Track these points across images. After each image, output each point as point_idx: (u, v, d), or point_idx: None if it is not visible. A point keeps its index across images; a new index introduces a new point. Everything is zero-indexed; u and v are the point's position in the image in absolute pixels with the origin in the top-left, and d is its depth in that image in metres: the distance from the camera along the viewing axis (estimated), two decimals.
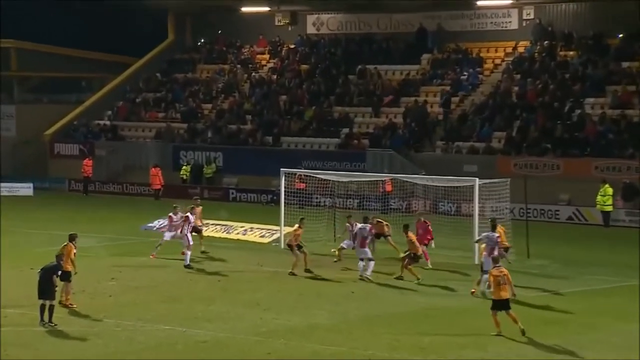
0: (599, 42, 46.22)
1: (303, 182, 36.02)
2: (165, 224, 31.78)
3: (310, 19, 54.48)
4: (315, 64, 52.39)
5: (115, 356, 19.78)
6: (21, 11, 58.93)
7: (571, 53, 46.85)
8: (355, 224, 28.59)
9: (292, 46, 54.60)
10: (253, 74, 54.06)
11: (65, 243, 23.43)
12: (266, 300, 24.48)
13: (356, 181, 36.59)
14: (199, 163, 49.52)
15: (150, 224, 34.89)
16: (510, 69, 47.23)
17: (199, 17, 57.70)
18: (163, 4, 57.13)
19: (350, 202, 38.52)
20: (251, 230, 33.11)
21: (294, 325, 22.01)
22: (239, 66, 54.79)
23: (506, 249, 26.52)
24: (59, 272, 22.08)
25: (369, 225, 27.90)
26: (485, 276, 24.10)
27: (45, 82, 60.47)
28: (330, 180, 34.44)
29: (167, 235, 30.31)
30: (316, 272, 28.09)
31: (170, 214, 30.38)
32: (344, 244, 29.23)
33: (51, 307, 21.56)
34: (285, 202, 32.70)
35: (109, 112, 55.74)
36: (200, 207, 31.61)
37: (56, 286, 21.82)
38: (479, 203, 30.18)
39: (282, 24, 55.07)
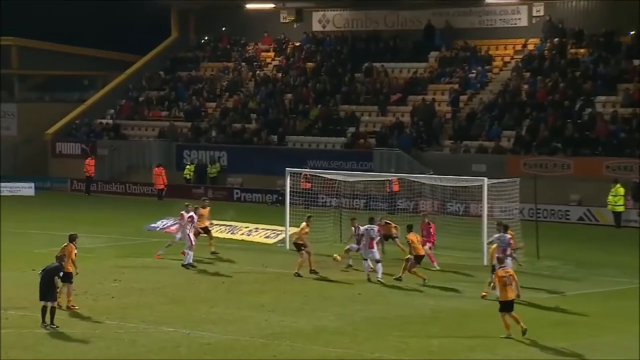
0: (611, 39, 46.13)
1: (309, 182, 36.00)
2: (169, 223, 31.79)
3: (316, 16, 54.46)
4: (321, 62, 52.37)
5: (118, 359, 19.77)
6: (22, 8, 59.01)
7: (582, 50, 46.77)
8: (359, 227, 28.58)
9: (298, 44, 54.59)
10: (258, 72, 54.06)
11: (66, 244, 23.44)
12: (271, 302, 24.48)
13: (363, 181, 36.55)
14: (203, 162, 49.54)
15: (153, 224, 34.98)
16: (520, 67, 47.16)
17: (203, 14, 57.73)
18: (166, 1, 57.15)
19: (356, 202, 38.47)
20: (256, 231, 33.14)
21: (300, 327, 22.00)
22: (243, 64, 54.80)
23: (514, 249, 26.39)
24: (61, 274, 22.06)
25: (376, 226, 27.84)
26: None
27: (47, 80, 60.54)
28: (336, 180, 34.43)
29: (178, 236, 30.28)
30: (322, 274, 28.06)
31: (183, 212, 30.37)
32: (350, 247, 29.17)
33: (53, 309, 21.57)
34: (290, 203, 32.70)
35: (112, 111, 55.79)
36: (208, 208, 31.58)
37: (58, 287, 21.80)
38: (488, 203, 30.15)
39: (287, 21, 55.07)
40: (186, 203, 31.30)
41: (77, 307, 23.23)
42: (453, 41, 50.31)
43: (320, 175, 35.32)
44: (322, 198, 37.22)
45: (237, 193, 47.07)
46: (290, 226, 31.79)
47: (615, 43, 45.99)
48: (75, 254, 23.40)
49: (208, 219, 31.24)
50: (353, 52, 52.04)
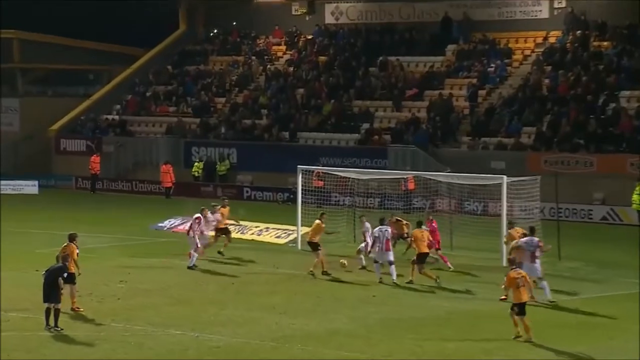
0: (635, 32, 46.04)
1: (321, 180, 36.09)
2: (176, 223, 31.95)
3: (329, 8, 54.52)
4: (334, 56, 52.43)
5: None
6: (25, 0, 59.22)
7: (605, 43, 46.68)
8: (365, 223, 28.67)
9: (310, 37, 54.66)
10: (268, 66, 54.17)
11: (66, 243, 23.55)
12: (282, 304, 24.57)
13: (377, 179, 36.63)
14: (212, 160, 49.69)
15: (160, 224, 35.14)
16: (541, 61, 47.12)
17: (212, 6, 57.85)
18: None
19: (370, 201, 38.56)
20: (266, 231, 33.26)
21: (312, 330, 22.10)
22: (253, 58, 54.92)
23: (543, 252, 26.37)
24: (65, 274, 22.18)
25: (389, 226, 27.89)
26: (544, 282, 24.47)
27: (51, 74, 60.75)
28: (349, 177, 34.48)
29: (206, 234, 30.50)
30: (335, 275, 28.16)
31: (208, 212, 30.56)
32: (360, 248, 29.27)
33: (57, 311, 21.66)
34: (302, 201, 32.79)
35: (118, 106, 55.99)
36: (228, 208, 31.65)
37: (62, 289, 21.92)
38: (507, 202, 30.16)
39: (299, 13, 55.13)
40: (213, 204, 31.37)
41: (81, 309, 23.37)
42: (471, 34, 50.28)
43: (333, 172, 35.38)
44: (335, 197, 37.28)
45: (247, 191, 47.21)
46: (302, 226, 31.87)
47: (639, 35, 45.88)
48: (77, 254, 23.52)
49: (226, 219, 31.26)
50: (367, 45, 52.07)
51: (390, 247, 27.47)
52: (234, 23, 57.32)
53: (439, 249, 29.16)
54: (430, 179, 35.04)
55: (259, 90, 52.66)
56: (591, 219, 40.07)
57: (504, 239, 27.90)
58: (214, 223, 30.62)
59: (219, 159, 49.48)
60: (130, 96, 55.91)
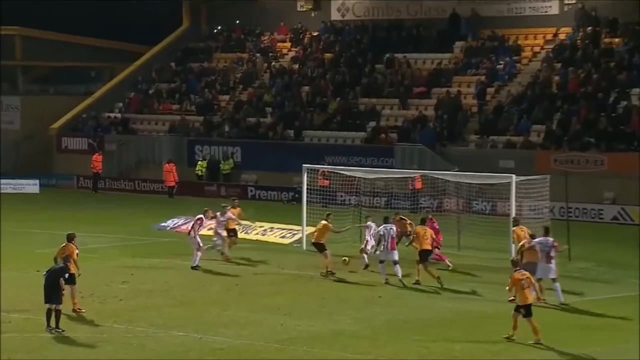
0: None
1: (327, 179, 36.12)
2: (179, 222, 32.01)
3: (335, 4, 54.55)
4: (340, 53, 52.46)
5: None
6: None
7: (616, 40, 46.65)
8: (368, 222, 28.80)
9: (315, 33, 54.69)
10: (273, 63, 54.21)
11: (64, 244, 23.59)
12: (287, 305, 24.63)
13: (384, 178, 36.63)
14: (216, 158, 49.75)
15: (163, 223, 35.22)
16: (551, 58, 47.10)
17: (216, 2, 57.90)
18: None
19: (377, 200, 38.57)
20: (271, 231, 33.31)
21: (317, 331, 22.15)
22: (258, 55, 54.96)
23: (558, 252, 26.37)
24: (67, 275, 22.24)
25: (394, 225, 27.96)
26: (556, 284, 24.58)
27: (52, 71, 60.85)
28: (355, 177, 34.53)
29: (222, 234, 30.55)
30: (340, 275, 28.20)
31: (217, 213, 30.66)
32: (364, 248, 29.35)
33: (58, 312, 21.71)
34: (307, 201, 32.85)
35: (120, 104, 56.09)
36: (239, 209, 31.68)
37: (63, 289, 21.98)
38: (516, 202, 30.19)
39: (304, 9, 55.18)
40: (223, 204, 31.45)
41: (83, 310, 23.44)
42: (479, 30, 50.27)
43: (339, 171, 35.40)
44: (341, 196, 37.31)
45: (251, 190, 47.27)
46: (307, 225, 31.91)
47: None
48: (77, 254, 23.57)
49: (237, 220, 31.28)
50: (374, 42, 52.09)
51: (395, 246, 27.54)
52: (238, 21, 57.35)
53: (439, 248, 29.18)
54: (437, 178, 35.05)
55: (263, 88, 52.70)
56: (602, 219, 40.06)
57: (513, 239, 27.92)
58: (224, 223, 30.67)
59: (222, 157, 49.54)
60: (133, 94, 56.00)
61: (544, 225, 26.50)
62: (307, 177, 33.37)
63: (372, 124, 47.82)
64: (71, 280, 22.97)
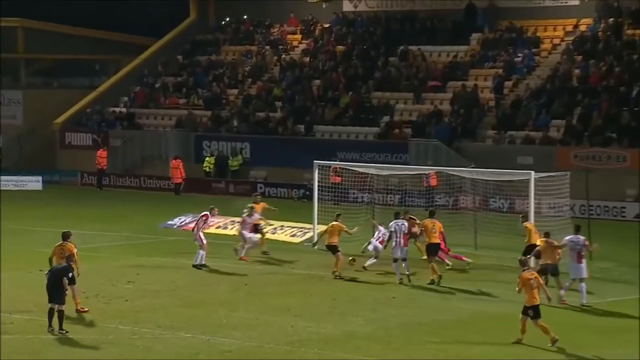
0: None
1: (338, 176, 36.10)
2: (186, 220, 32.03)
3: None
4: (352, 45, 52.43)
5: None
6: None
7: (639, 31, 46.48)
8: (379, 226, 28.86)
9: (327, 25, 54.66)
10: (283, 56, 54.21)
11: (60, 243, 23.53)
12: (297, 306, 24.63)
13: (397, 175, 36.59)
14: (224, 154, 49.78)
15: (170, 222, 35.22)
16: (571, 50, 46.97)
17: None
18: None
19: (390, 198, 38.52)
20: (281, 229, 33.28)
21: (328, 333, 22.14)
22: (267, 47, 54.97)
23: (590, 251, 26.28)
24: (70, 274, 22.25)
25: (406, 221, 27.95)
26: (582, 285, 24.60)
27: (55, 64, 61.00)
28: (368, 173, 34.49)
29: (247, 236, 30.60)
30: (351, 275, 28.19)
31: (244, 217, 30.72)
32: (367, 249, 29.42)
33: (60, 313, 21.75)
34: (318, 198, 32.82)
35: (125, 98, 56.16)
36: (262, 204, 31.70)
37: (67, 289, 22.00)
38: (535, 199, 30.08)
39: (315, 0, 55.14)
40: (249, 205, 31.40)
41: (86, 310, 23.44)
42: (497, 21, 50.17)
43: (351, 168, 35.39)
44: (353, 193, 37.29)
45: (260, 187, 47.20)
46: (318, 224, 31.89)
47: None
48: (76, 253, 23.55)
49: (261, 216, 31.34)
50: (387, 34, 52.03)
51: (407, 243, 27.57)
52: (246, 14, 57.32)
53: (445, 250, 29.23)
54: (453, 174, 34.96)
55: (273, 82, 52.71)
56: (624, 217, 39.92)
57: (525, 233, 27.87)
58: (250, 225, 30.71)
59: (231, 153, 49.56)
60: (139, 88, 56.07)
61: (575, 224, 26.43)
62: (318, 173, 33.34)
63: (386, 118, 47.76)
64: (72, 281, 22.95)
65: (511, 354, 20.72)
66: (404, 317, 23.63)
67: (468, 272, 28.83)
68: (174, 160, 48.63)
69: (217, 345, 21.12)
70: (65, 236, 23.73)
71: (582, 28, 48.30)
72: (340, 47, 52.73)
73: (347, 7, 54.62)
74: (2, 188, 47.65)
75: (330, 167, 35.20)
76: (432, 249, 27.48)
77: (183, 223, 34.11)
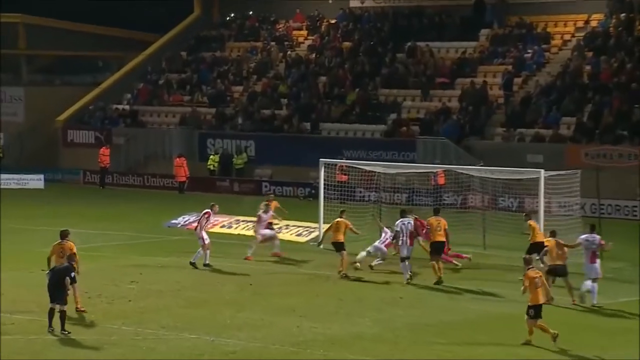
0: None
1: (345, 174, 36.15)
2: (190, 220, 32.09)
3: None
4: (359, 41, 52.46)
5: None
6: None
7: None
8: (385, 228, 29.03)
9: (333, 21, 54.71)
10: (289, 52, 54.26)
11: (58, 242, 23.52)
12: (303, 306, 24.68)
13: (405, 173, 36.62)
14: (229, 152, 49.86)
15: (174, 220, 35.26)
16: (582, 46, 46.96)
17: None
18: None
19: (398, 196, 38.56)
20: (286, 228, 33.29)
21: (334, 334, 22.18)
22: (273, 44, 55.03)
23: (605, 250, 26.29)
24: (72, 274, 22.31)
25: (413, 219, 27.99)
26: (588, 282, 24.61)
27: (57, 61, 61.10)
28: (375, 172, 34.53)
29: (260, 235, 30.64)
30: (357, 275, 28.24)
31: (260, 213, 30.77)
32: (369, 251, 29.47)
33: (62, 313, 21.79)
34: (324, 197, 32.87)
35: (128, 96, 56.27)
36: (275, 202, 31.78)
37: (69, 289, 22.06)
38: (545, 198, 30.13)
39: None
40: (265, 202, 31.54)
41: (85, 310, 23.43)
42: (506, 17, 50.18)
43: (358, 166, 35.42)
44: (360, 192, 37.37)
45: (265, 186, 47.31)
46: (324, 223, 31.93)
47: None
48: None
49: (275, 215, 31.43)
50: (394, 30, 52.05)
51: (413, 242, 27.64)
52: (251, 10, 57.37)
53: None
54: (461, 173, 35.02)
55: (278, 78, 52.76)
56: (635, 216, 39.92)
57: (530, 233, 27.91)
58: (266, 222, 30.79)
59: (235, 151, 49.63)
60: (142, 85, 56.16)
61: (590, 223, 26.43)
62: (325, 172, 33.39)
63: (393, 116, 47.80)
64: (73, 280, 22.97)
65: (519, 355, 20.75)
66: (411, 318, 23.67)
67: (477, 272, 28.82)
68: (177, 159, 48.72)
69: (222, 346, 21.17)
70: (64, 235, 23.72)
71: (593, 23, 48.27)
72: (346, 44, 52.77)
73: (354, 2, 54.65)
74: (4, 186, 47.79)
75: (336, 165, 35.24)
76: (437, 248, 27.50)
77: (187, 222, 34.13)
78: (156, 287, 26.82)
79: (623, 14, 47.16)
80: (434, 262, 27.35)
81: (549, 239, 25.50)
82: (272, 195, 33.02)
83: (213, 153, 49.97)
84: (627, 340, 21.89)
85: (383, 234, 29.36)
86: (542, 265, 24.93)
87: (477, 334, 22.27)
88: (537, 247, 26.72)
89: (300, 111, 49.93)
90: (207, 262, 29.42)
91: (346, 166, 36.06)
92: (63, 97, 55.86)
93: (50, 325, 21.82)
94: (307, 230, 33.01)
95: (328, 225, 29.53)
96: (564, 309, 24.48)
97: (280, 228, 33.11)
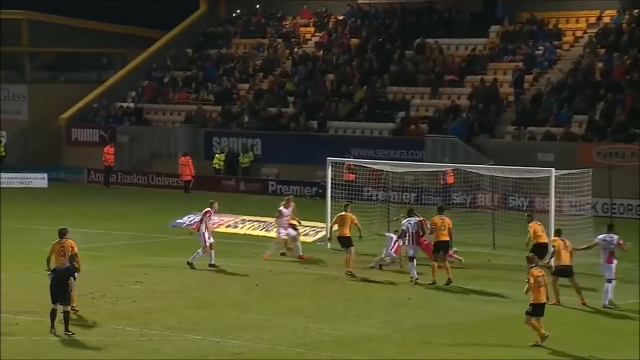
0: None
1: (352, 173, 36.20)
2: (196, 219, 32.13)
3: None
4: (367, 38, 52.48)
5: None
6: None
7: None
8: (391, 235, 29.10)
9: (341, 17, 54.73)
10: (296, 49, 54.31)
11: (57, 241, 23.48)
12: (310, 307, 24.73)
13: (413, 172, 36.67)
14: (235, 151, 49.92)
15: (179, 220, 35.42)
16: (594, 42, 46.92)
17: None
18: None
19: (406, 196, 38.63)
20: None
21: (342, 335, 22.22)
22: (279, 40, 55.07)
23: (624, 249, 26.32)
24: (76, 274, 22.37)
25: (420, 219, 28.03)
26: (608, 285, 24.61)
27: (61, 58, 61.22)
28: (383, 171, 34.58)
29: (282, 233, 30.75)
30: (365, 275, 28.28)
31: (281, 208, 30.83)
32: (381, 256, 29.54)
33: (66, 314, 21.85)
34: (332, 196, 32.91)
35: (133, 93, 56.36)
36: (293, 204, 31.71)
37: (72, 290, 22.12)
38: (556, 197, 30.14)
39: None
40: (287, 197, 31.64)
41: (78, 309, 23.37)
42: (517, 13, 50.17)
43: (366, 165, 35.47)
44: (368, 191, 37.40)
45: (272, 185, 47.42)
46: (331, 223, 31.96)
47: None
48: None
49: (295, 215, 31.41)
50: (403, 27, 52.06)
51: (419, 242, 27.67)
52: (258, 6, 57.42)
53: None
54: (471, 172, 35.06)
55: (285, 76, 52.80)
56: None
57: (528, 238, 27.86)
58: (287, 218, 30.82)
59: (241, 150, 49.69)
60: (147, 82, 56.25)
61: (607, 223, 26.43)
62: (332, 171, 33.43)
63: (401, 114, 47.81)
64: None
65: (529, 357, 20.78)
66: (419, 319, 23.71)
67: (485, 272, 28.85)
68: (183, 157, 48.79)
69: (228, 347, 21.21)
70: (63, 233, 23.65)
71: (606, 20, 48.24)
72: (354, 40, 52.79)
73: None
74: (7, 185, 47.94)
75: (343, 164, 35.29)
76: (440, 247, 27.49)
77: (192, 222, 34.26)
78: (161, 287, 26.88)
79: (636, 10, 47.11)
80: (435, 263, 27.30)
81: (555, 238, 25.47)
82: (291, 196, 32.78)
83: (219, 151, 50.01)
84: (631, 343, 21.86)
85: (389, 241, 29.33)
86: (550, 266, 24.97)
87: (485, 335, 22.30)
88: (540, 248, 26.82)
89: (307, 109, 49.96)
90: (212, 262, 29.47)
91: (354, 165, 36.11)
92: (67, 95, 55.96)
93: (52, 326, 21.88)
94: (314, 230, 33.09)
95: (333, 221, 29.53)
96: (571, 309, 24.50)
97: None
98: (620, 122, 42.81)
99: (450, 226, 27.74)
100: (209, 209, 30.02)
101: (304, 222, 33.86)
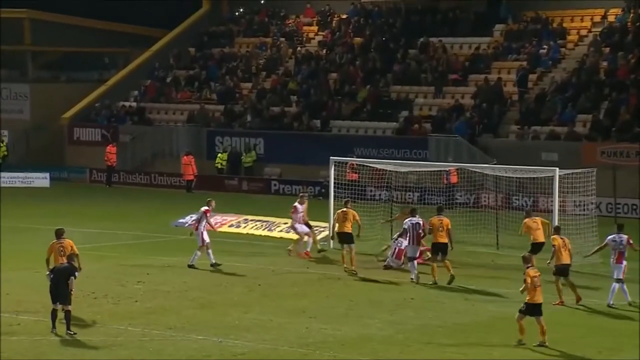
0: None
1: (355, 173, 36.21)
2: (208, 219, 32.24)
3: None
4: (370, 37, 52.49)
5: None
6: None
7: None
8: (400, 240, 29.03)
9: (344, 16, 54.74)
10: (299, 48, 54.32)
11: (54, 241, 23.42)
12: (313, 307, 24.74)
13: (416, 171, 36.66)
14: (237, 150, 49.94)
15: (181, 220, 35.46)
16: (598, 41, 46.90)
17: None
18: None
19: (409, 195, 38.63)
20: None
21: (345, 335, 22.24)
22: (282, 39, 55.08)
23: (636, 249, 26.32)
24: (76, 274, 22.40)
25: (422, 220, 28.04)
26: (615, 285, 24.59)
27: (63, 57, 61.28)
28: (386, 170, 34.59)
29: (299, 227, 30.82)
30: (368, 275, 28.29)
31: (296, 204, 30.84)
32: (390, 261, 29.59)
33: (68, 313, 21.90)
34: (335, 196, 32.89)
35: (135, 93, 56.39)
36: (306, 203, 31.74)
37: (72, 290, 22.14)
38: (560, 197, 30.11)
39: None
40: (301, 193, 31.81)
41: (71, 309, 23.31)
42: (521, 12, 50.15)
43: (369, 164, 35.47)
44: (371, 191, 37.39)
45: (274, 185, 47.44)
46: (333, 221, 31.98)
47: None
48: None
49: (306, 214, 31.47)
50: (407, 26, 52.07)
51: (420, 242, 27.68)
52: (261, 4, 57.44)
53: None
54: (474, 171, 35.06)
55: (288, 75, 52.83)
56: None
57: (521, 231, 27.91)
58: (302, 214, 30.81)
59: (244, 149, 49.72)
60: (149, 81, 56.28)
61: (617, 223, 26.39)
62: (335, 170, 33.43)
63: (405, 113, 47.81)
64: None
65: (533, 357, 20.78)
66: (422, 320, 23.72)
67: (491, 273, 28.86)
68: (185, 157, 48.82)
69: (230, 347, 21.24)
70: (60, 233, 23.63)
71: (610, 18, 48.22)
72: (358, 39, 52.80)
73: None
74: (9, 185, 47.99)
75: (347, 163, 35.30)
76: (438, 249, 27.45)
77: (194, 221, 34.28)
78: (163, 287, 26.92)
79: None
80: (434, 264, 27.28)
81: (555, 236, 25.44)
82: (305, 195, 32.60)
83: (221, 151, 50.04)
84: (632, 343, 21.86)
85: (392, 247, 29.33)
86: (552, 265, 24.99)
87: (489, 336, 22.30)
88: (537, 247, 26.86)
89: (310, 108, 49.98)
90: (213, 262, 29.47)
91: (357, 164, 36.12)
92: (69, 94, 56.01)
93: (53, 326, 21.92)
94: (316, 230, 33.07)
95: (335, 219, 29.55)
96: (571, 309, 24.51)
97: (289, 228, 33.19)
98: (625, 121, 42.79)
99: (449, 227, 27.63)
100: (207, 207, 30.03)
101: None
